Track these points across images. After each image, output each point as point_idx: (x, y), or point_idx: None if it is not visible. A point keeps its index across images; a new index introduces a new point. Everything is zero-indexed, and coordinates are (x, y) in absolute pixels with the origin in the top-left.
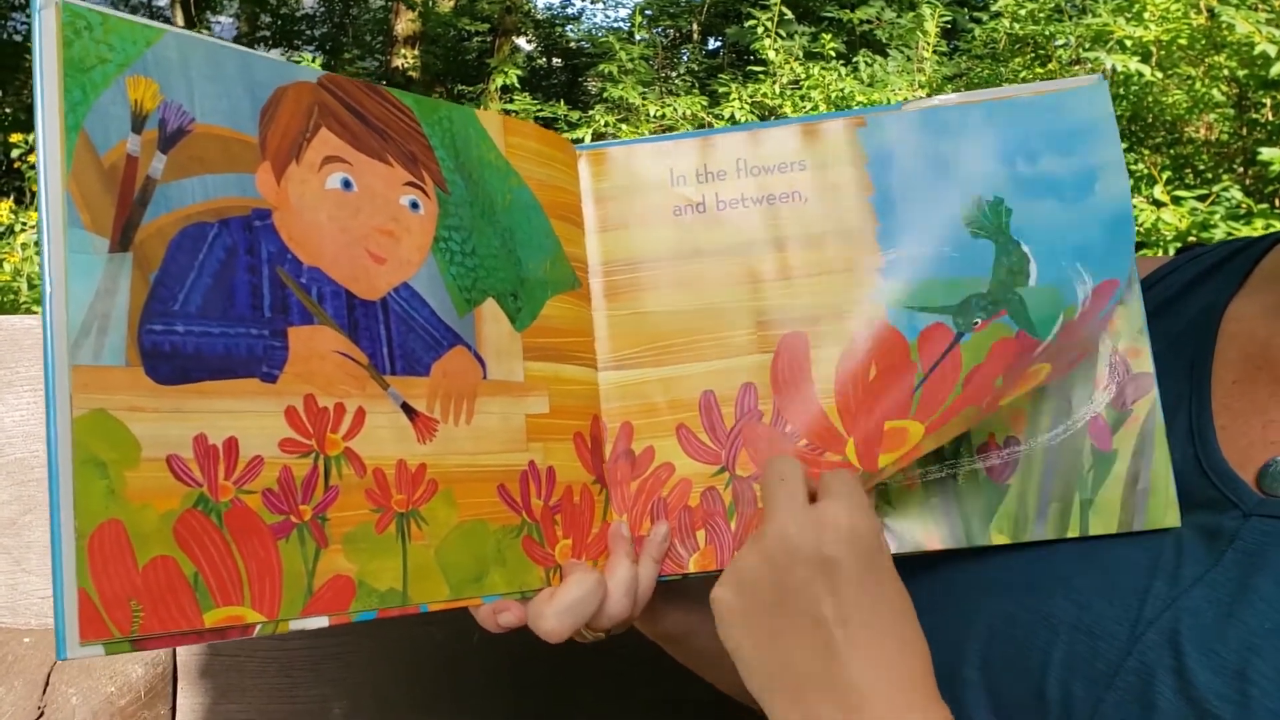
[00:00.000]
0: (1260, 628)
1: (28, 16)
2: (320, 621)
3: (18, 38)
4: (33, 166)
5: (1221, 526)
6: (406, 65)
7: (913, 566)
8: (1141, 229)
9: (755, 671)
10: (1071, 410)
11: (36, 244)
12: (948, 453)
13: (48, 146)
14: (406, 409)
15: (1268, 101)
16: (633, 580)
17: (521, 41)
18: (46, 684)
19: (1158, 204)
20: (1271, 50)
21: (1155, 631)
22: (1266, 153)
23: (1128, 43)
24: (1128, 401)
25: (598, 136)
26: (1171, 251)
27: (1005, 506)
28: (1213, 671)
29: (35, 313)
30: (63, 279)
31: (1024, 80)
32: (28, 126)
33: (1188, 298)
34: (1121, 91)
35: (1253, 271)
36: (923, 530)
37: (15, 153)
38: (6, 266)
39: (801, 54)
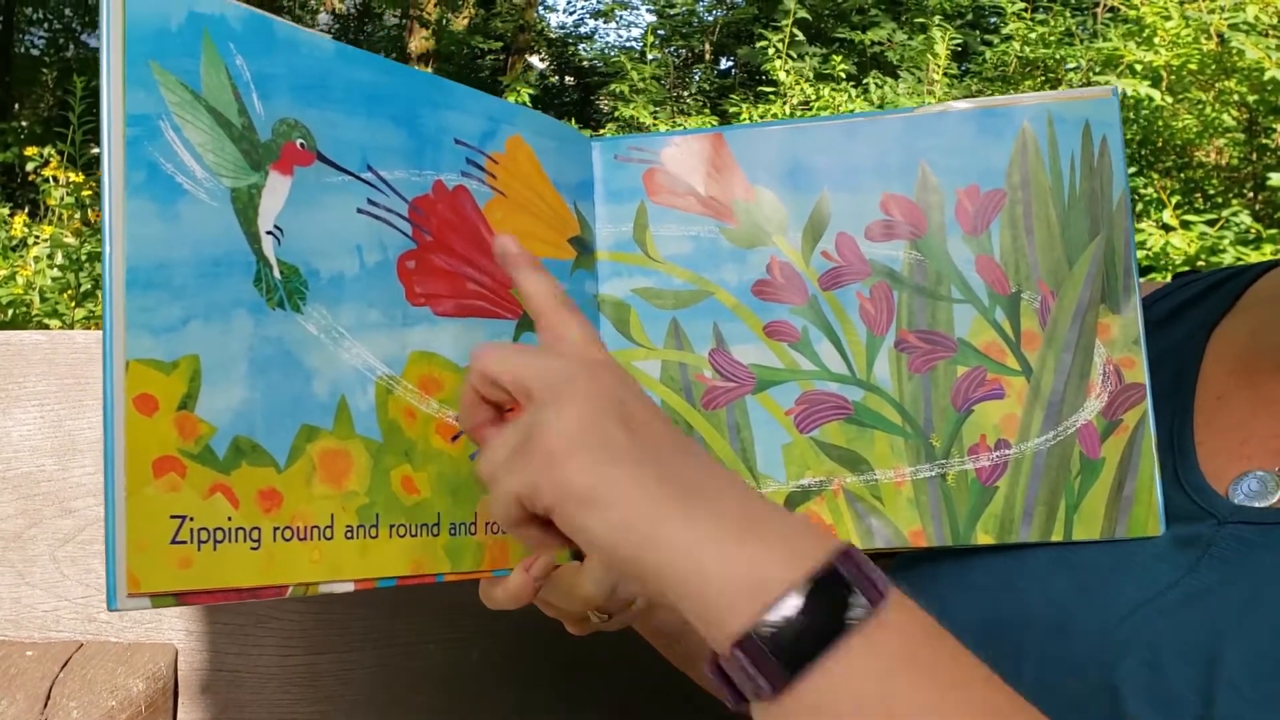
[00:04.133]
0: (1230, 627)
1: (45, 31)
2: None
3: (35, 51)
4: (47, 180)
5: (1197, 535)
6: None
7: (898, 563)
8: (1150, 253)
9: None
10: (1062, 416)
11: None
12: (938, 452)
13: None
14: None
15: (1278, 127)
16: None
17: (534, 60)
18: (48, 698)
19: (1167, 228)
20: None
21: (1128, 629)
22: (1276, 178)
23: (1138, 67)
24: (1117, 411)
25: None
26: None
27: (992, 508)
28: (1186, 662)
29: (46, 327)
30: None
31: None
32: (43, 140)
33: (1179, 319)
34: (1132, 115)
35: (1242, 295)
36: (909, 527)
37: (30, 165)
38: (19, 279)
39: (812, 75)
